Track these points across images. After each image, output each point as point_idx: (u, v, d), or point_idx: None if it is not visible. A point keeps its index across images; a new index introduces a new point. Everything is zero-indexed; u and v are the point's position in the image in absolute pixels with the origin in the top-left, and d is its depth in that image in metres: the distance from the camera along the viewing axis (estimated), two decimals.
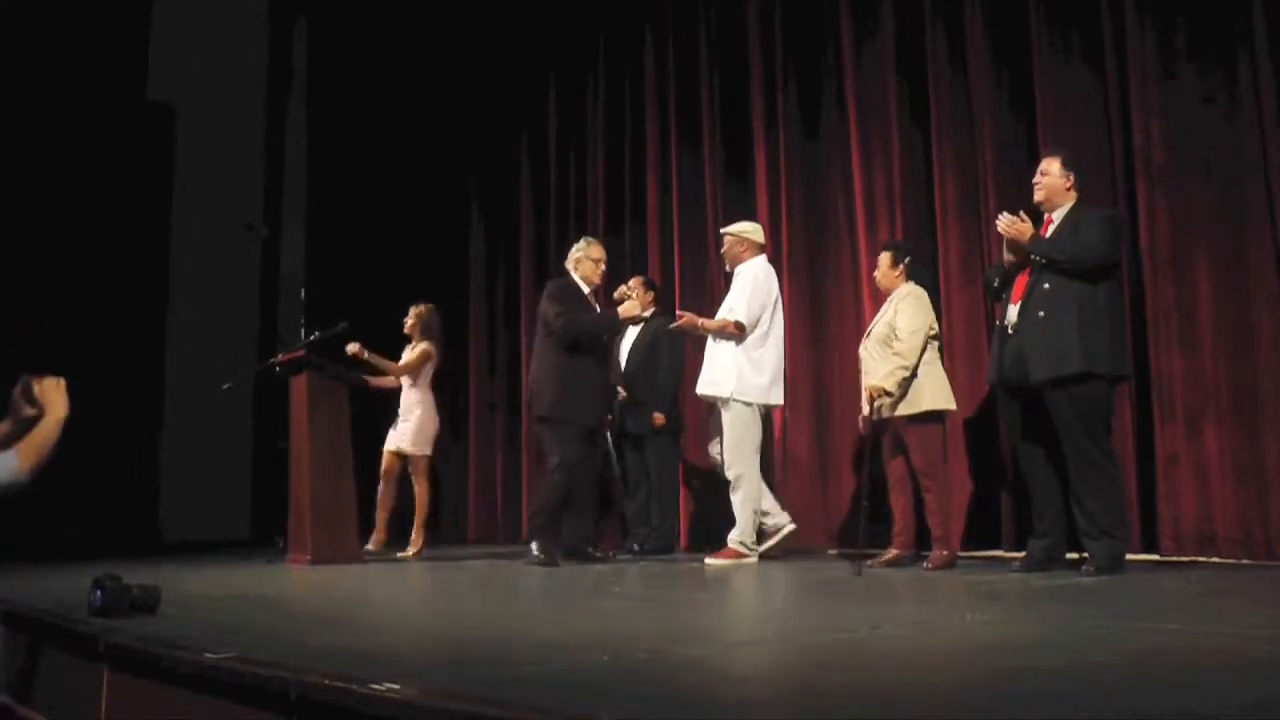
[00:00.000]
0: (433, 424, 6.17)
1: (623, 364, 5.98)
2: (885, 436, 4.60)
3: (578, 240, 5.60)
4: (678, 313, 5.27)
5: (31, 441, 2.70)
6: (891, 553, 4.59)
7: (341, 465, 5.61)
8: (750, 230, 5.28)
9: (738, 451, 4.96)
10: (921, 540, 4.63)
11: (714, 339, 5.11)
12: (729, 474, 4.97)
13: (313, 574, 4.98)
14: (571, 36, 7.69)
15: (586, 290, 5.43)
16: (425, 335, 6.23)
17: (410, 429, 6.07)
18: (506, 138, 8.12)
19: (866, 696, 1.79)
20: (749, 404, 4.99)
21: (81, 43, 8.26)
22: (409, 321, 6.25)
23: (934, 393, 4.51)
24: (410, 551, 5.97)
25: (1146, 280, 4.59)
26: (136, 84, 8.70)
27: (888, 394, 4.46)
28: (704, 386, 5.11)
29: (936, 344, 4.63)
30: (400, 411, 6.11)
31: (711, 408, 5.28)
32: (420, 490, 6.13)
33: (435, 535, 8.09)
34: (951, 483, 4.62)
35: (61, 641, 2.62)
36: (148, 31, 8.76)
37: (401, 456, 6.08)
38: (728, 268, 5.31)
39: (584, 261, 5.44)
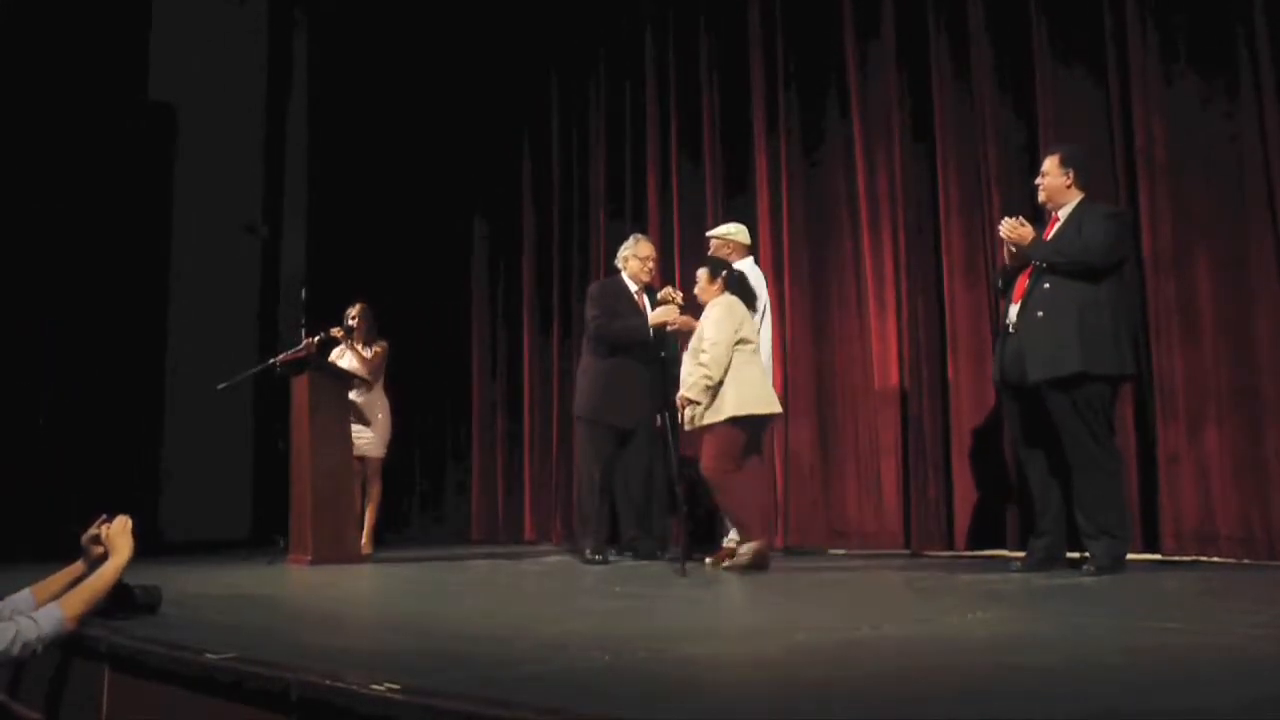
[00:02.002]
0: (391, 425, 6.17)
1: None
2: None
3: (628, 239, 5.61)
4: (667, 298, 5.24)
5: (83, 590, 2.65)
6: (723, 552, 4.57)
7: (342, 465, 5.62)
8: (735, 232, 5.28)
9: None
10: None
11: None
12: None
13: (313, 574, 4.98)
14: (573, 38, 7.68)
15: (635, 288, 5.44)
16: (372, 334, 6.20)
17: (377, 433, 6.05)
18: (508, 138, 8.11)
19: (867, 695, 1.79)
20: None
21: (82, 42, 8.25)
22: (354, 322, 6.12)
23: (738, 400, 4.48)
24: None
25: (1148, 279, 4.59)
26: (137, 83, 8.70)
27: (694, 403, 4.50)
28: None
29: (748, 349, 4.59)
30: (363, 413, 5.98)
31: None
32: (376, 492, 6.10)
33: (436, 535, 8.12)
34: (744, 483, 4.55)
35: (62, 641, 2.62)
36: (148, 31, 8.75)
37: (361, 459, 5.97)
38: None
39: (631, 260, 5.46)
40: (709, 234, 5.41)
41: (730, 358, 4.51)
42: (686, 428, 4.67)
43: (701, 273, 4.86)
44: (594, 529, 5.23)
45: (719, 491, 4.53)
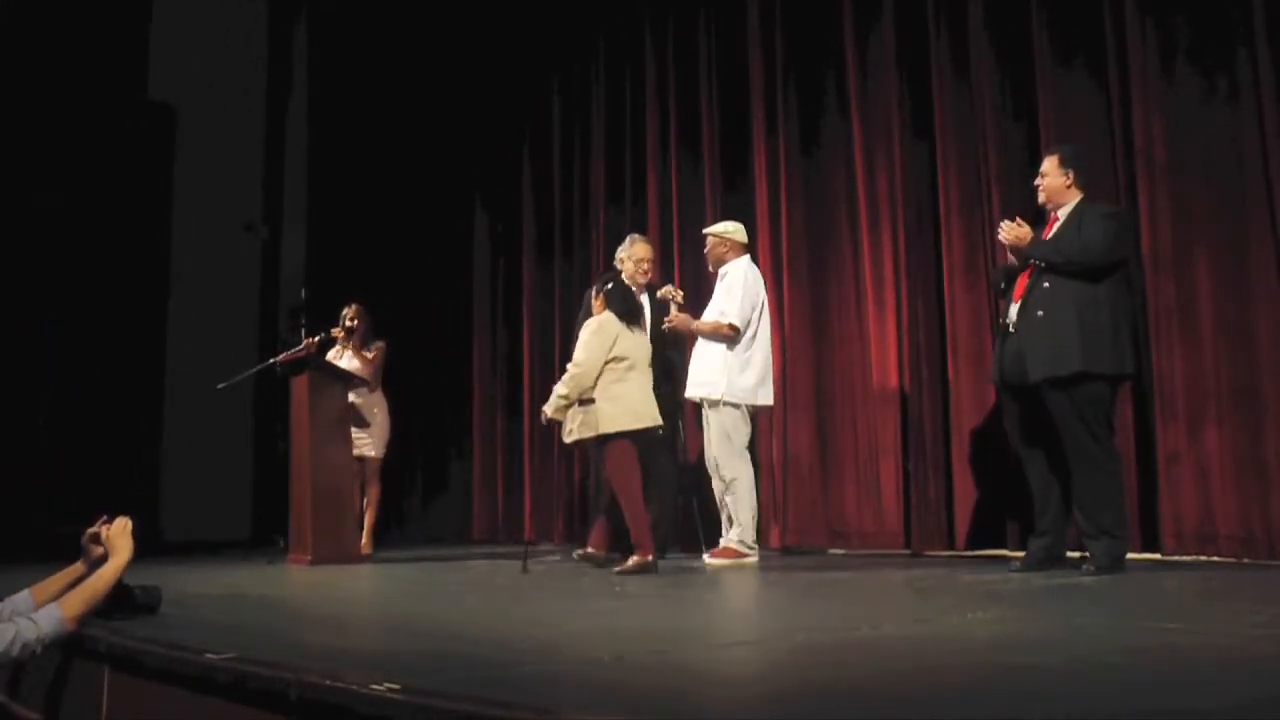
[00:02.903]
0: (390, 426, 6.16)
1: None
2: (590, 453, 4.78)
3: (625, 239, 5.61)
4: (670, 314, 5.24)
5: (83, 590, 2.65)
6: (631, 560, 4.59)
7: (342, 465, 5.63)
8: (732, 230, 5.27)
9: (729, 453, 4.96)
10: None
11: (702, 340, 5.11)
12: (722, 475, 4.97)
13: (313, 574, 4.98)
14: (573, 37, 7.69)
15: (634, 289, 5.46)
16: (369, 334, 6.18)
17: (376, 433, 6.04)
18: (508, 137, 8.11)
19: (867, 695, 1.79)
20: (738, 405, 4.99)
21: (82, 42, 8.25)
22: (353, 324, 6.10)
23: (612, 417, 4.61)
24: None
25: (1148, 279, 4.59)
26: (137, 84, 8.70)
27: (552, 420, 4.81)
28: (694, 388, 5.10)
29: (621, 365, 4.67)
30: (361, 414, 5.95)
31: (697, 409, 5.26)
32: (375, 492, 6.08)
33: (437, 535, 8.12)
34: (639, 496, 4.67)
35: (62, 641, 2.62)
36: (148, 31, 8.76)
37: (360, 460, 5.95)
38: (711, 268, 5.31)
39: (626, 263, 5.45)
40: (705, 231, 5.40)
41: (596, 378, 4.65)
42: (566, 440, 4.86)
43: (593, 291, 5.03)
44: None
45: (623, 502, 4.67)
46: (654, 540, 5.44)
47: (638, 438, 4.67)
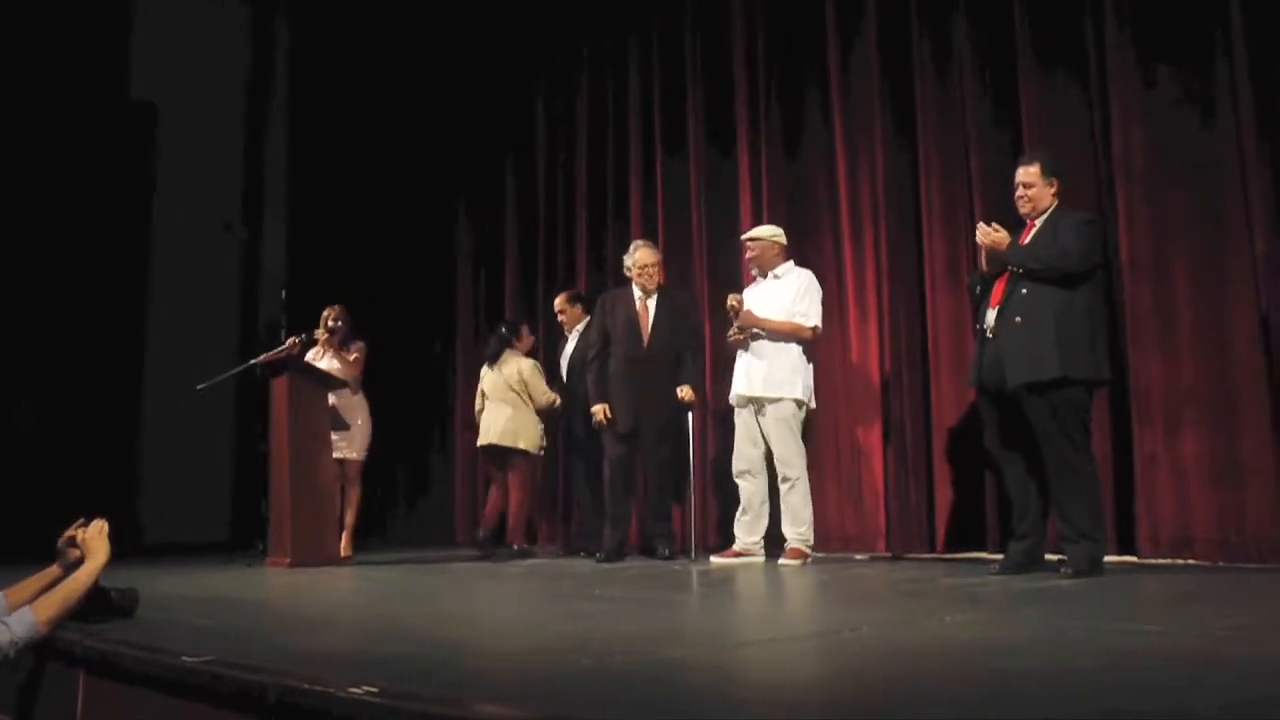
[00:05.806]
0: (371, 429, 6.14)
1: (564, 375, 6.19)
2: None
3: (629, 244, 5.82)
4: (736, 307, 5.11)
5: (58, 594, 2.63)
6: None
7: (322, 467, 5.60)
8: (779, 233, 5.27)
9: (796, 451, 5.00)
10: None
11: (769, 339, 5.06)
12: (787, 474, 4.98)
13: (293, 577, 4.95)
14: (557, 44, 7.68)
15: (639, 294, 5.55)
16: (353, 335, 6.16)
17: (357, 435, 6.01)
18: (492, 141, 8.10)
19: (846, 698, 1.80)
20: (804, 403, 5.04)
21: (63, 42, 8.19)
22: (336, 325, 6.05)
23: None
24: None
25: (1126, 284, 4.62)
26: (118, 83, 8.63)
27: None
28: (762, 388, 5.03)
29: (485, 399, 6.21)
30: (342, 417, 5.92)
31: (738, 412, 5.20)
32: (355, 495, 6.05)
33: (419, 538, 8.09)
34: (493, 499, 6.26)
35: (37, 645, 2.59)
36: (129, 31, 8.70)
37: (340, 462, 5.91)
38: (756, 272, 5.28)
39: (631, 270, 5.60)
40: (750, 236, 5.27)
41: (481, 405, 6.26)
42: None
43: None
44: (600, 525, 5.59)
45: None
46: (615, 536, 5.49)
47: (489, 453, 6.15)
